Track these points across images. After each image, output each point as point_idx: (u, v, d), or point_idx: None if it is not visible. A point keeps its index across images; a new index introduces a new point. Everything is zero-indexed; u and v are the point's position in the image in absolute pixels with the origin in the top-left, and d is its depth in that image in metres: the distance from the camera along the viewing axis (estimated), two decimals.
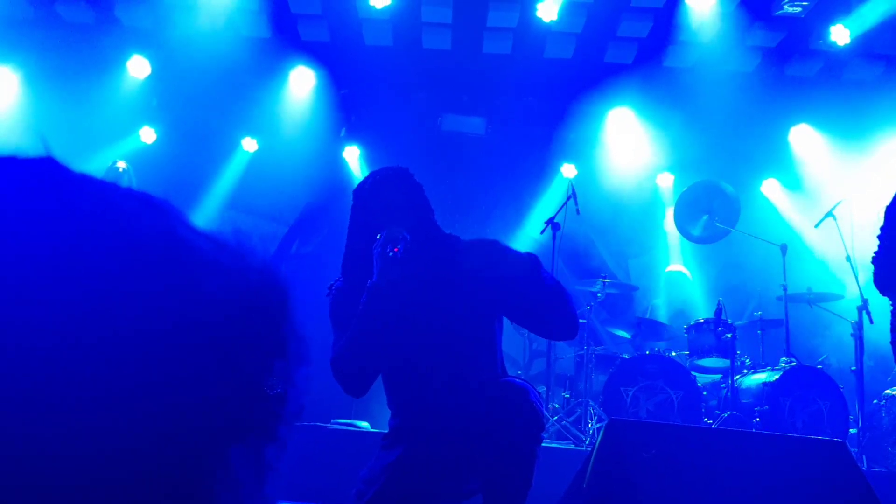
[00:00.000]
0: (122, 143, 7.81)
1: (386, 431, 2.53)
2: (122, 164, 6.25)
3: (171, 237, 0.46)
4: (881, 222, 2.88)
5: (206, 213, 7.82)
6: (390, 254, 2.25)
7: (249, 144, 8.09)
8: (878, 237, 2.86)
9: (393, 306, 2.32)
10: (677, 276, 7.07)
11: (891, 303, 2.97)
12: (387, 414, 2.57)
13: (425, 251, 2.38)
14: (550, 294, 2.36)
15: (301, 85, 7.89)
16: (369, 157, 8.09)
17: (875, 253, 2.86)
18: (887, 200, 2.92)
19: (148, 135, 7.92)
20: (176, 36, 7.30)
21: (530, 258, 2.41)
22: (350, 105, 8.01)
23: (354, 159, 8.13)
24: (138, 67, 7.62)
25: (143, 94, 7.80)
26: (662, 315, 6.87)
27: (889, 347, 3.03)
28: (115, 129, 7.73)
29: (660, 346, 6.23)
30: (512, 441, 2.13)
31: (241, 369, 0.45)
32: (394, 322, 2.37)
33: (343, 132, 8.11)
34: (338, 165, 8.08)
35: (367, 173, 8.19)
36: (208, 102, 7.61)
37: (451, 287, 2.39)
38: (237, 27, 7.25)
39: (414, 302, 2.37)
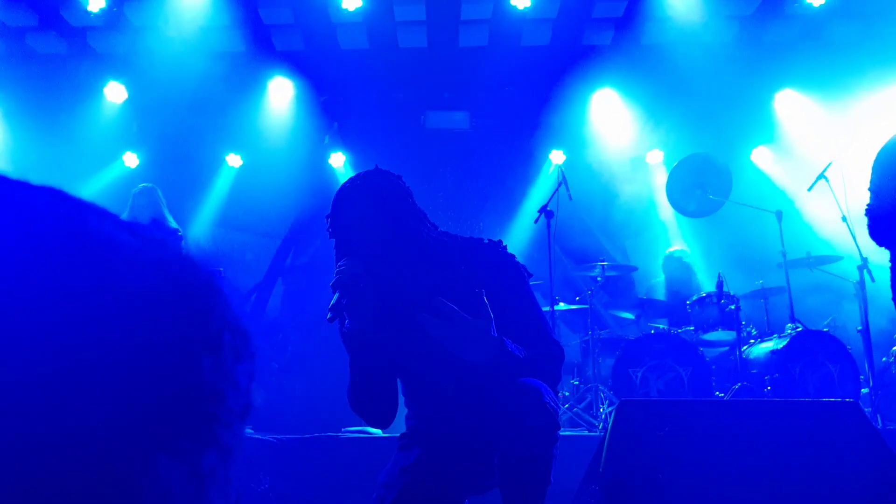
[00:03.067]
0: (107, 171, 7.77)
1: (401, 432, 2.49)
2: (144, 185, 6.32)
3: (81, 230, 0.42)
4: (871, 176, 2.86)
5: (196, 233, 7.78)
6: (329, 314, 2.17)
7: (234, 160, 8.05)
8: (869, 189, 2.84)
9: (378, 340, 2.29)
10: (678, 255, 7.04)
11: (889, 258, 2.95)
12: (399, 416, 2.54)
13: (407, 262, 2.32)
14: (532, 330, 2.34)
15: (280, 96, 7.85)
16: (355, 161, 8.06)
17: (868, 205, 2.84)
18: (874, 155, 2.90)
19: (131, 160, 7.87)
20: (150, 58, 7.27)
21: (520, 281, 2.38)
22: (332, 111, 7.98)
23: (341, 165, 8.09)
24: (115, 93, 7.59)
25: (123, 120, 7.76)
26: (664, 294, 6.84)
27: (891, 303, 3.01)
28: (98, 156, 7.69)
29: (664, 324, 6.21)
30: (527, 443, 2.09)
31: (162, 369, 0.41)
32: (391, 345, 2.33)
33: (327, 139, 8.07)
34: (325, 173, 8.04)
35: None
36: (189, 122, 7.57)
37: (450, 287, 2.33)
38: (211, 43, 7.21)
39: (410, 314, 2.31)
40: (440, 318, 2.10)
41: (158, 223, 0.48)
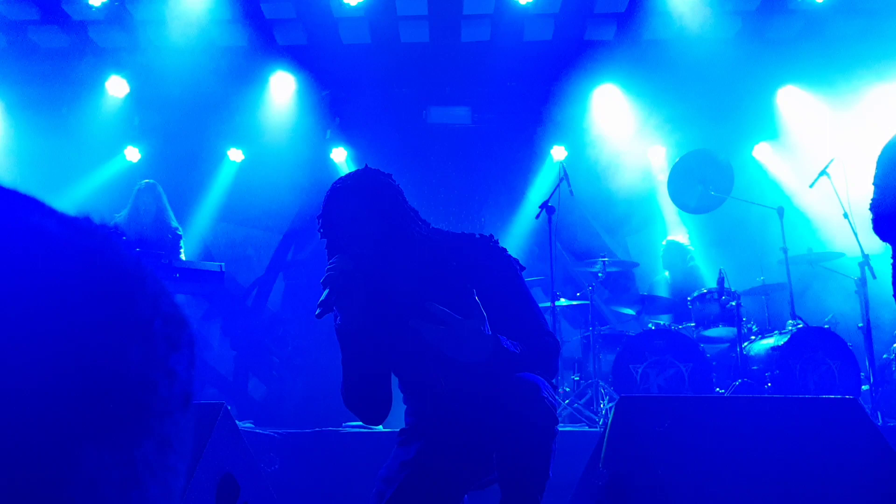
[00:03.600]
0: (108, 165, 7.77)
1: (401, 428, 2.50)
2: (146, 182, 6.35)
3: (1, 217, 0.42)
4: (876, 171, 2.86)
5: (197, 228, 7.78)
6: (317, 309, 2.18)
7: (235, 155, 8.05)
8: (874, 184, 2.83)
9: (371, 337, 2.29)
10: (676, 246, 7.03)
11: (892, 253, 2.94)
12: (399, 411, 2.54)
13: (397, 260, 2.32)
14: (525, 319, 2.34)
15: (282, 90, 7.84)
16: (357, 156, 8.05)
17: (872, 200, 2.83)
18: (879, 149, 2.89)
19: (133, 154, 7.87)
20: (152, 53, 7.27)
21: (513, 275, 2.39)
22: (333, 106, 7.97)
23: (342, 160, 8.09)
24: (117, 87, 7.59)
25: (125, 114, 7.76)
26: (666, 289, 6.84)
27: (892, 300, 3.00)
28: (100, 150, 7.69)
29: (665, 320, 6.21)
30: (526, 437, 2.09)
31: (85, 357, 0.40)
32: (384, 344, 2.34)
33: (328, 134, 8.06)
34: (326, 168, 8.03)
35: None
36: (190, 116, 7.56)
37: (441, 285, 2.34)
38: (212, 38, 7.21)
39: (403, 312, 2.31)
40: (432, 322, 2.10)
41: (91, 213, 0.48)
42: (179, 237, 6.19)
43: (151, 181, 6.36)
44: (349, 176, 2.42)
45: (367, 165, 2.49)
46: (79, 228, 0.45)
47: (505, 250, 2.46)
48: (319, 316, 2.17)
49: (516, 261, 2.45)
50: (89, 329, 0.41)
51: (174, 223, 6.21)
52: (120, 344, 0.43)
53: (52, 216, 0.44)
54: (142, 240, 5.89)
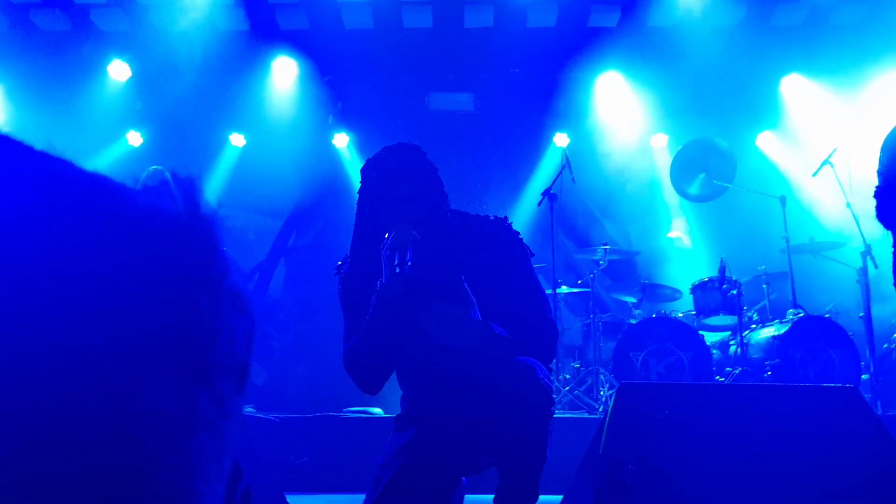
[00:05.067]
0: (110, 149, 7.76)
1: (397, 413, 2.50)
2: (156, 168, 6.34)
3: (101, 185, 0.45)
4: (880, 158, 2.84)
5: None
6: (397, 268, 2.17)
7: (237, 140, 8.03)
8: (878, 172, 2.82)
9: (403, 304, 2.27)
10: (674, 243, 7.04)
11: (893, 243, 2.94)
12: (398, 398, 2.55)
13: (435, 242, 2.33)
14: (533, 308, 2.35)
15: (284, 75, 7.82)
16: (359, 142, 8.04)
17: (876, 188, 2.82)
18: (882, 138, 2.88)
19: (134, 138, 7.86)
20: (154, 36, 7.24)
21: (523, 259, 2.40)
22: (336, 91, 7.95)
23: (344, 146, 8.07)
24: (119, 71, 7.56)
25: (127, 98, 7.74)
26: (661, 279, 6.84)
27: (893, 290, 3.00)
28: (102, 134, 7.68)
29: (666, 308, 6.21)
30: (523, 419, 2.11)
31: (160, 294, 0.43)
32: (404, 317, 2.33)
33: (331, 119, 8.04)
34: (328, 153, 8.03)
35: (357, 159, 8.09)
36: (192, 100, 7.54)
37: (458, 268, 2.35)
38: (214, 22, 7.17)
39: (423, 290, 2.32)
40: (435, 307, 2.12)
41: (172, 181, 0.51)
42: None
43: (159, 167, 6.35)
44: (397, 146, 2.42)
45: (411, 143, 2.47)
46: (165, 195, 0.48)
47: (518, 234, 2.47)
48: (399, 271, 2.16)
49: (527, 246, 2.47)
50: (164, 273, 0.44)
51: None
52: (191, 291, 0.45)
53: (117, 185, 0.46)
54: None
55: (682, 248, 7.08)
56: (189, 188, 0.49)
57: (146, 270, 0.43)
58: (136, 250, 0.43)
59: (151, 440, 0.41)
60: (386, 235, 2.26)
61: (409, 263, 2.16)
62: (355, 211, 2.45)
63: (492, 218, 2.50)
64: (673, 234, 7.52)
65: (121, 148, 7.83)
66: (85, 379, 0.39)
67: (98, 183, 0.46)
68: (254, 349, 0.51)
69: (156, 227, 0.45)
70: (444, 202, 2.41)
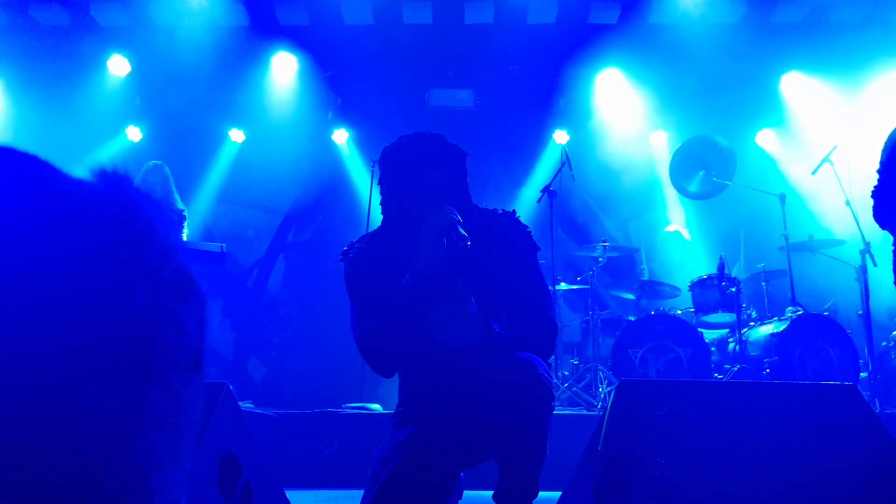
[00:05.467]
0: (109, 144, 7.75)
1: (395, 409, 2.50)
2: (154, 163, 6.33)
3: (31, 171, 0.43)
4: (881, 158, 2.85)
5: (198, 209, 7.78)
6: (448, 243, 2.16)
7: (237, 135, 8.02)
8: (878, 171, 2.83)
9: (445, 282, 2.27)
10: (674, 237, 7.03)
11: (893, 242, 2.94)
12: (397, 394, 2.55)
13: (465, 228, 2.33)
14: (536, 303, 2.35)
15: (284, 71, 7.81)
16: (358, 138, 8.03)
17: (875, 187, 2.83)
18: (885, 137, 2.88)
19: (134, 133, 7.85)
20: (153, 32, 7.23)
21: (529, 254, 2.40)
22: (335, 87, 7.94)
23: (344, 142, 8.07)
24: (118, 66, 7.55)
25: (126, 93, 7.73)
26: (660, 276, 6.84)
27: (892, 288, 3.01)
28: (101, 130, 7.67)
29: (665, 305, 6.21)
30: (523, 415, 2.11)
31: (88, 295, 0.41)
32: (441, 294, 2.31)
33: (330, 115, 8.03)
34: (327, 149, 8.02)
35: (356, 155, 8.07)
36: (192, 96, 7.54)
37: (479, 260, 2.36)
38: (214, 17, 7.16)
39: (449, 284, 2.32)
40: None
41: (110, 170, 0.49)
42: (184, 219, 6.17)
43: (159, 162, 6.33)
44: (425, 134, 2.47)
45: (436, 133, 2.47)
46: (99, 177, 0.45)
47: (526, 228, 2.48)
48: (462, 246, 2.17)
49: (535, 241, 2.47)
50: (93, 266, 0.41)
51: (180, 205, 6.18)
52: (126, 283, 0.42)
53: (53, 169, 0.45)
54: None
55: (681, 242, 7.07)
56: (118, 176, 0.47)
57: (73, 264, 0.41)
58: (59, 243, 0.41)
59: (92, 444, 0.40)
60: (431, 218, 2.26)
61: (466, 240, 2.17)
62: (380, 198, 2.45)
63: (500, 212, 2.51)
64: (671, 227, 7.52)
65: (120, 143, 7.82)
66: (9, 387, 0.38)
67: (14, 170, 0.43)
68: (208, 334, 0.49)
69: (82, 217, 0.42)
70: (466, 190, 2.43)
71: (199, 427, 0.48)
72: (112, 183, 0.46)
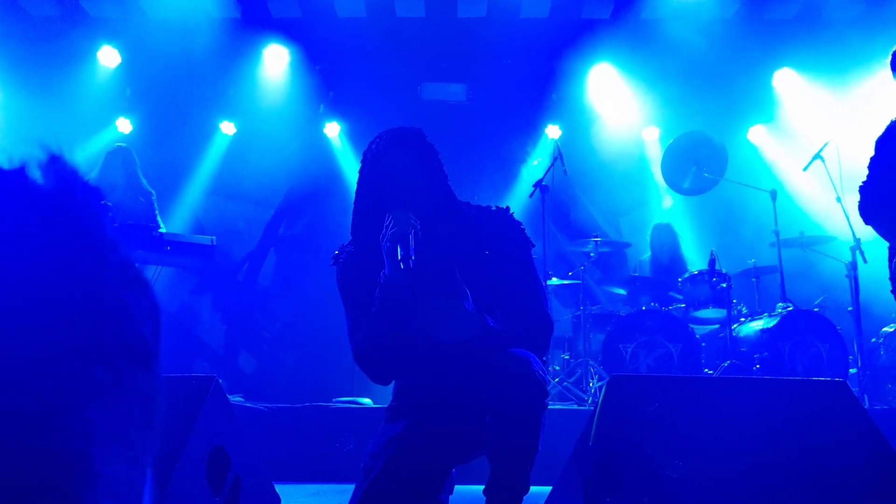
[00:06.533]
0: (100, 136, 7.70)
1: (389, 403, 2.49)
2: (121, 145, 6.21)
3: None
4: (872, 153, 2.86)
5: (188, 201, 7.74)
6: (401, 263, 2.14)
7: (227, 128, 7.98)
8: (868, 167, 2.84)
9: (407, 296, 2.25)
10: (664, 229, 7.03)
11: (889, 246, 2.96)
12: (389, 389, 2.54)
13: (434, 229, 2.31)
14: (531, 300, 2.34)
15: (275, 63, 7.77)
16: (350, 131, 8.00)
17: (863, 182, 2.84)
18: (878, 132, 2.89)
19: (124, 125, 7.80)
20: (144, 23, 7.18)
21: (524, 251, 2.39)
22: (327, 80, 7.90)
23: (335, 135, 8.04)
24: (108, 57, 7.49)
25: (116, 85, 7.67)
26: (649, 270, 6.85)
27: (881, 284, 3.02)
28: (91, 121, 7.61)
29: (655, 300, 6.22)
30: (516, 411, 2.11)
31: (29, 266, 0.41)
32: (410, 307, 2.30)
33: (322, 108, 8.00)
34: (319, 142, 7.99)
35: (348, 149, 8.04)
36: (182, 88, 7.49)
37: (454, 258, 2.34)
38: (206, 9, 7.12)
39: (422, 280, 2.30)
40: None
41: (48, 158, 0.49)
42: (153, 201, 5.95)
43: (124, 144, 6.21)
44: (400, 129, 2.41)
45: (410, 126, 2.45)
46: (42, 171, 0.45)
47: (520, 224, 2.46)
48: (404, 266, 2.14)
49: (529, 238, 2.46)
50: (39, 255, 0.42)
51: (147, 187, 5.99)
52: (72, 269, 0.43)
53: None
54: (115, 206, 5.67)
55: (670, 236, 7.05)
56: (59, 162, 0.47)
57: (17, 255, 0.41)
58: (5, 237, 0.41)
59: (28, 412, 0.40)
60: (386, 224, 2.24)
61: (413, 257, 2.14)
62: (354, 198, 2.44)
63: (493, 208, 2.49)
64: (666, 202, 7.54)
65: (110, 135, 7.77)
66: None
67: None
68: (160, 329, 0.49)
69: (24, 204, 0.43)
70: (445, 187, 2.41)
71: (162, 425, 0.48)
72: (58, 177, 0.46)
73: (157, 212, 5.90)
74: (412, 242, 2.17)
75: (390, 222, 2.21)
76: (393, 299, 2.24)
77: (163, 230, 5.78)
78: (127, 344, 0.45)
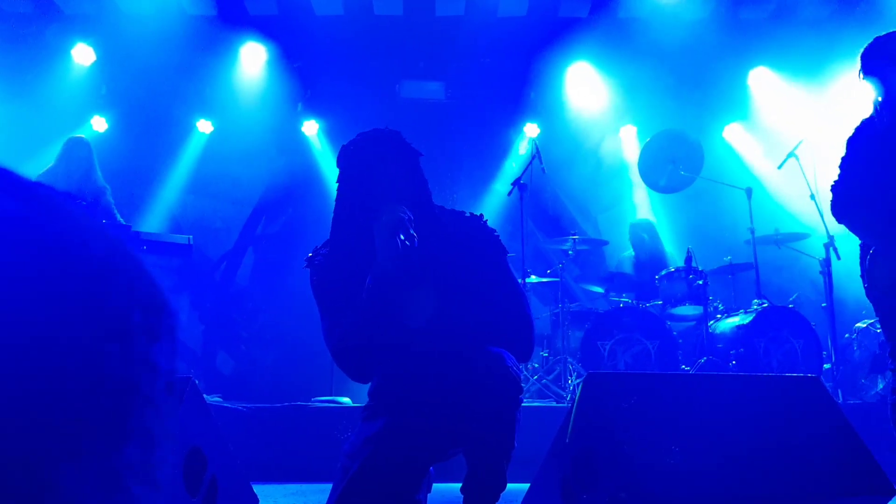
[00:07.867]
0: (74, 134, 7.60)
1: (365, 403, 2.49)
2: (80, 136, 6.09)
3: None
4: (843, 153, 2.89)
5: (165, 200, 7.67)
6: (400, 242, 2.16)
7: (204, 126, 7.91)
8: (839, 166, 2.87)
9: (400, 282, 2.25)
10: (643, 225, 7.07)
11: (860, 244, 2.99)
12: (367, 388, 2.53)
13: (419, 229, 2.32)
14: (511, 303, 2.36)
15: (253, 61, 7.72)
16: (328, 129, 7.97)
17: (834, 181, 2.88)
18: (849, 133, 2.92)
19: (99, 124, 7.71)
20: (119, 20, 7.10)
21: (499, 257, 2.40)
22: (305, 78, 7.87)
23: (314, 133, 8.00)
24: (83, 55, 7.40)
25: (91, 83, 7.58)
26: (632, 268, 6.89)
27: (855, 281, 3.06)
28: (66, 120, 7.50)
29: (633, 298, 6.26)
30: (491, 407, 2.12)
31: (56, 368, 0.37)
32: (400, 296, 2.30)
33: (300, 106, 7.97)
34: (297, 141, 7.95)
35: (326, 147, 8.00)
36: (158, 86, 7.42)
37: (434, 260, 2.35)
38: (182, 6, 7.06)
39: (410, 272, 2.31)
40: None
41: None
42: (108, 198, 5.82)
43: (82, 136, 6.12)
44: (379, 131, 2.42)
45: (386, 128, 2.45)
46: (39, 208, 0.41)
47: (494, 231, 2.48)
48: (410, 244, 2.17)
49: (503, 245, 2.47)
50: (59, 329, 0.38)
51: (102, 182, 5.87)
52: (95, 344, 0.39)
53: (8, 193, 0.40)
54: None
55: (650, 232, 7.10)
56: (36, 198, 0.42)
57: (24, 337, 0.37)
58: (8, 312, 0.37)
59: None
60: (382, 216, 2.24)
61: (414, 239, 2.17)
62: (335, 198, 2.43)
63: (467, 214, 2.50)
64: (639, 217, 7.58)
65: (85, 133, 7.63)
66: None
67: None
68: (179, 354, 0.47)
69: (29, 277, 0.38)
70: (426, 190, 2.42)
71: (174, 437, 0.47)
72: (58, 216, 0.42)
73: (114, 208, 5.79)
74: (411, 228, 2.21)
75: (386, 212, 2.22)
76: (385, 288, 2.24)
77: (122, 222, 5.69)
78: (155, 394, 0.43)
